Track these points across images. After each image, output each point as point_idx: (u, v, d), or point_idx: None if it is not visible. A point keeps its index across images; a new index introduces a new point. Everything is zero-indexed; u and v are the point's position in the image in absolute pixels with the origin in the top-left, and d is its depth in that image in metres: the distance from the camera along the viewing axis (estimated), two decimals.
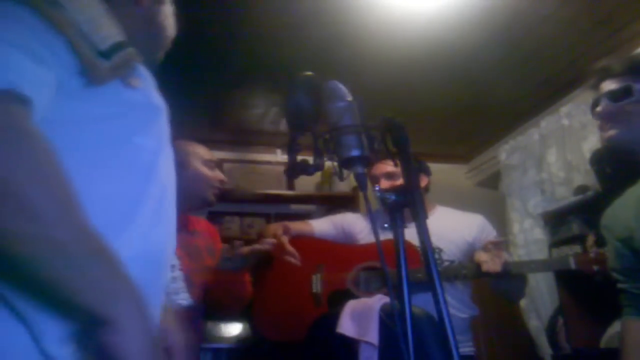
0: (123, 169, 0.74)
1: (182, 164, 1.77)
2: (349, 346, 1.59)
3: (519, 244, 3.23)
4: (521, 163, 3.34)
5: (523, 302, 3.10)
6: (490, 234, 2.10)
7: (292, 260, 1.91)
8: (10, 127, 0.58)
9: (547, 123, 3.11)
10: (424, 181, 2.15)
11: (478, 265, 1.85)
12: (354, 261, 2.05)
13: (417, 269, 1.64)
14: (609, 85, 1.42)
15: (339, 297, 1.95)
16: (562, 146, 2.99)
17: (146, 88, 0.78)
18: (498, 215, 3.29)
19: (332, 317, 1.70)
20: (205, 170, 1.83)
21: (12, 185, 0.56)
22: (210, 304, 1.84)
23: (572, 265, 1.83)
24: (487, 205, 3.03)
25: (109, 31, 0.69)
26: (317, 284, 2.05)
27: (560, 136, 2.99)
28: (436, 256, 1.98)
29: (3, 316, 0.62)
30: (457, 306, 1.99)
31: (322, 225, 2.21)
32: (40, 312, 0.62)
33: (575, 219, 2.51)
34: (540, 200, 3.18)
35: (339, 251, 2.12)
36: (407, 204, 0.96)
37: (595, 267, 1.77)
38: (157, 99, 0.80)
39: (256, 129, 3.47)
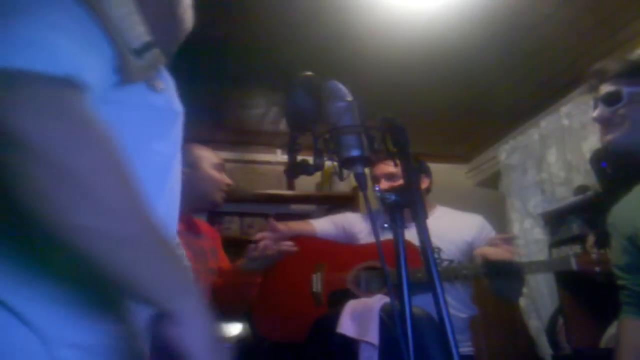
0: (138, 176, 0.75)
1: (192, 166, 1.80)
2: (349, 346, 1.59)
3: (519, 244, 3.23)
4: (521, 163, 3.34)
5: (523, 302, 3.11)
6: (490, 234, 2.10)
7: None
8: (76, 116, 0.57)
9: (547, 123, 3.11)
10: (425, 182, 2.15)
11: (484, 261, 1.84)
12: (354, 261, 2.05)
13: (417, 268, 1.64)
14: (605, 89, 1.43)
15: (339, 297, 1.95)
16: (562, 146, 2.99)
17: (168, 91, 0.77)
18: (498, 215, 3.29)
19: (333, 317, 1.70)
20: (214, 174, 1.87)
21: (82, 177, 0.56)
22: (219, 305, 1.85)
23: (574, 266, 1.82)
24: (487, 205, 3.03)
25: (140, 29, 0.68)
26: (317, 283, 2.05)
27: (560, 136, 3.00)
28: (435, 256, 1.97)
29: (8, 321, 0.61)
30: (457, 306, 1.99)
31: (323, 225, 2.22)
32: (48, 315, 0.62)
33: (575, 219, 2.52)
34: (540, 200, 3.18)
35: (339, 251, 2.13)
36: (407, 204, 0.96)
37: (596, 268, 1.76)
38: (177, 104, 0.80)
39: (256, 129, 3.47)
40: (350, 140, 0.96)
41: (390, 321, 1.53)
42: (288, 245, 1.81)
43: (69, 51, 0.58)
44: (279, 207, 3.64)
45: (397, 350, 0.91)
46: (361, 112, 1.00)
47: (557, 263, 2.05)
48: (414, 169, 1.00)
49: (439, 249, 2.02)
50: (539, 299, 3.02)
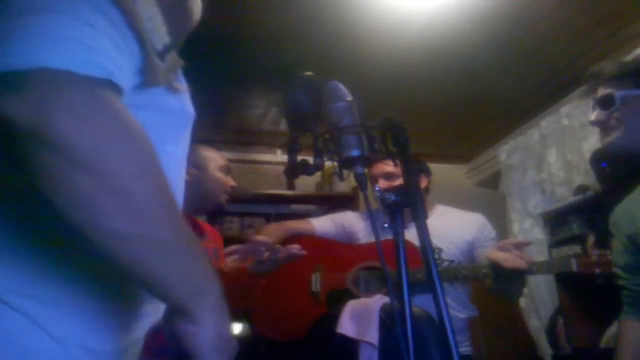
0: None
1: (199, 167, 1.81)
2: (349, 346, 1.59)
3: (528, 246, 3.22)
4: (521, 163, 3.34)
5: (523, 302, 3.11)
6: (490, 233, 2.10)
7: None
8: (116, 120, 0.57)
9: (547, 123, 3.10)
10: (424, 182, 2.15)
11: (494, 264, 1.82)
12: (353, 261, 2.05)
13: (417, 269, 1.64)
14: (602, 92, 1.44)
15: (338, 297, 1.95)
16: (562, 146, 2.99)
17: (184, 93, 0.77)
18: (498, 215, 3.29)
19: (332, 317, 1.70)
20: (220, 176, 1.88)
21: (122, 184, 0.55)
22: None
23: (574, 267, 1.82)
24: (487, 205, 3.03)
25: (163, 30, 0.67)
26: (316, 283, 2.05)
27: (560, 136, 2.99)
28: (435, 256, 1.97)
29: (21, 323, 0.60)
30: (456, 307, 1.99)
31: (323, 224, 2.22)
32: (63, 318, 0.62)
33: (575, 219, 2.51)
34: (540, 200, 3.18)
35: (339, 250, 2.12)
36: (407, 204, 0.96)
37: (597, 270, 1.76)
38: (190, 106, 0.79)
39: (256, 129, 3.47)
40: (350, 140, 0.96)
41: (390, 321, 1.53)
42: (297, 248, 1.80)
43: (107, 52, 0.57)
44: (279, 207, 3.64)
45: (397, 350, 0.91)
46: (360, 112, 1.00)
47: (557, 264, 2.05)
48: (414, 169, 1.00)
49: (439, 249, 2.02)
50: (539, 299, 3.02)
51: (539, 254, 2.99)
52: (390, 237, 0.97)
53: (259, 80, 2.84)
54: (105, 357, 0.65)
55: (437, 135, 3.57)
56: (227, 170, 1.92)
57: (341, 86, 1.01)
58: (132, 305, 0.71)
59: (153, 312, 0.74)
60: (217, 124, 3.33)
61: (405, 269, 0.95)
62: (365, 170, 0.98)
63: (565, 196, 2.83)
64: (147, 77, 0.65)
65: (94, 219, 0.55)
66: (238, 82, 2.84)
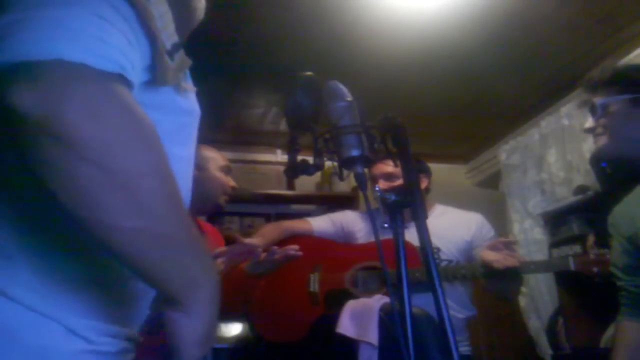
0: None
1: (199, 167, 1.80)
2: (349, 346, 1.59)
3: (519, 244, 3.22)
4: (521, 163, 3.34)
5: (523, 302, 3.11)
6: (489, 232, 2.10)
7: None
8: (127, 115, 0.56)
9: (547, 123, 3.10)
10: (424, 182, 2.15)
11: (486, 265, 1.84)
12: (351, 261, 2.05)
13: (415, 269, 1.64)
14: (589, 100, 1.48)
15: (336, 297, 1.95)
16: (562, 146, 2.99)
17: (191, 93, 0.77)
18: (498, 215, 3.29)
19: (332, 318, 1.70)
20: (221, 176, 1.87)
21: (130, 180, 0.55)
22: (220, 306, 1.84)
23: (572, 266, 1.83)
24: (487, 205, 3.03)
25: (172, 28, 0.67)
26: (314, 283, 2.05)
27: (560, 136, 2.99)
28: (434, 256, 1.97)
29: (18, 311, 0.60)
30: (454, 306, 1.99)
31: (321, 224, 2.21)
32: (69, 311, 0.62)
33: (575, 219, 2.52)
34: (540, 200, 3.18)
35: (337, 250, 2.12)
36: (407, 204, 0.96)
37: (595, 269, 1.77)
38: (197, 106, 0.79)
39: (256, 129, 3.47)
40: (350, 140, 0.96)
41: (389, 321, 1.53)
42: (295, 249, 1.80)
43: (120, 48, 0.57)
44: (279, 207, 3.64)
45: (397, 350, 0.91)
46: (360, 112, 1.00)
47: (555, 263, 2.06)
48: (414, 169, 1.00)
49: (438, 249, 2.02)
50: (539, 299, 3.02)
51: (539, 254, 3.00)
52: (389, 237, 0.97)
53: (259, 80, 2.84)
54: (107, 354, 0.64)
55: (437, 135, 3.57)
56: (227, 170, 1.90)
57: (341, 86, 1.01)
58: (133, 302, 0.71)
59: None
60: (217, 124, 3.33)
61: (405, 269, 0.95)
62: (366, 170, 0.98)
63: (565, 196, 2.83)
64: (157, 76, 0.65)
65: (99, 214, 0.54)
66: (238, 82, 2.84)
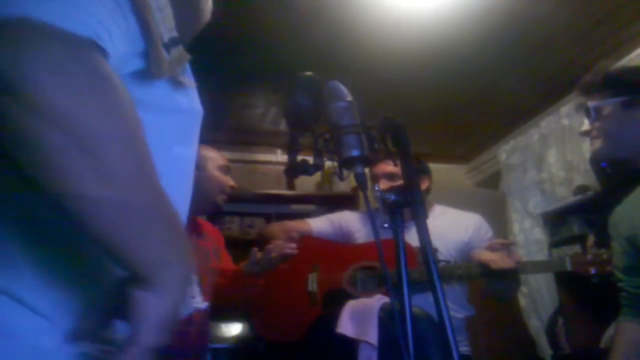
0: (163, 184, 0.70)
1: (198, 167, 1.78)
2: (349, 346, 1.59)
3: (519, 244, 3.23)
4: (521, 163, 3.34)
5: (523, 302, 3.11)
6: (487, 233, 2.10)
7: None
8: (98, 79, 0.53)
9: (547, 123, 3.11)
10: (425, 183, 2.15)
11: (483, 266, 1.84)
12: (350, 261, 2.05)
13: (412, 269, 1.64)
14: (584, 103, 1.49)
15: (334, 297, 1.95)
16: (562, 146, 2.99)
17: (192, 90, 0.75)
18: (498, 215, 3.29)
19: (331, 318, 1.70)
20: (219, 175, 1.86)
21: (97, 146, 0.52)
22: (220, 306, 1.85)
23: (569, 267, 1.83)
24: (487, 205, 3.03)
25: (171, 23, 0.65)
26: (312, 283, 2.05)
27: (560, 136, 3.00)
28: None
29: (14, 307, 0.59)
30: (452, 306, 1.98)
31: (320, 224, 2.22)
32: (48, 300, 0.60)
33: (575, 219, 2.52)
34: (540, 200, 3.18)
35: (336, 250, 2.12)
36: (407, 204, 0.96)
37: (592, 270, 1.77)
38: (198, 103, 0.77)
39: (256, 129, 3.47)
40: (350, 140, 0.96)
41: (389, 321, 1.53)
42: (291, 247, 1.80)
43: (96, 14, 0.55)
44: (279, 207, 3.64)
45: (396, 350, 0.91)
46: (360, 112, 1.00)
47: (552, 264, 2.06)
48: (414, 169, 1.00)
49: (435, 249, 2.02)
50: (539, 299, 3.02)
51: (539, 254, 3.00)
52: (388, 237, 0.97)
53: (259, 80, 2.84)
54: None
55: (437, 135, 3.57)
56: (226, 170, 1.90)
57: (341, 86, 1.01)
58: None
59: None
60: (217, 124, 3.33)
61: (405, 269, 0.95)
62: (366, 170, 0.98)
63: (565, 196, 2.83)
64: (152, 67, 0.63)
65: (63, 182, 0.51)
66: (238, 82, 2.84)
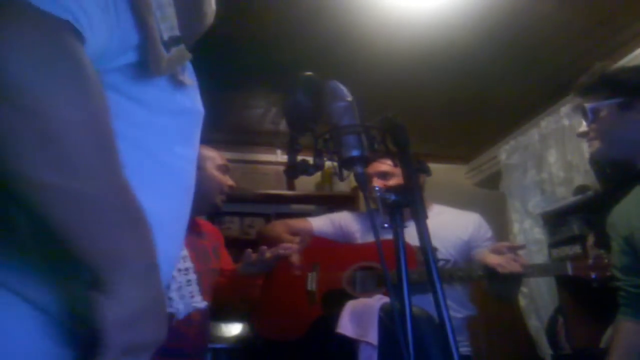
0: (158, 183, 0.68)
1: (197, 167, 1.78)
2: (349, 346, 1.59)
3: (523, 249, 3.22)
4: (521, 163, 3.34)
5: (523, 302, 3.11)
6: (487, 232, 2.10)
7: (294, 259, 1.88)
8: (68, 63, 0.51)
9: (547, 123, 3.11)
10: (420, 178, 2.14)
11: (488, 269, 1.82)
12: (349, 260, 2.04)
13: (411, 270, 1.64)
14: (580, 104, 1.50)
15: (333, 297, 1.95)
16: (562, 146, 2.99)
17: (193, 90, 0.75)
18: (498, 215, 3.29)
19: (332, 317, 1.70)
20: (218, 175, 1.86)
21: (56, 125, 0.49)
22: (219, 306, 1.85)
23: (570, 271, 1.83)
24: (487, 205, 3.03)
25: (173, 22, 0.64)
26: (312, 282, 2.05)
27: (560, 136, 3.00)
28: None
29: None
30: (453, 306, 1.98)
31: (321, 223, 2.22)
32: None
33: (575, 219, 2.52)
34: (540, 200, 3.18)
35: (335, 250, 2.12)
36: (407, 204, 0.96)
37: (592, 274, 1.77)
38: (199, 103, 0.76)
39: (256, 129, 3.47)
40: (350, 140, 0.96)
41: (389, 321, 1.53)
42: (286, 248, 1.80)
43: None
44: (279, 207, 3.64)
45: (397, 350, 0.91)
46: (360, 112, 1.00)
47: (553, 267, 2.06)
48: (414, 169, 1.00)
49: (435, 249, 2.01)
50: (539, 299, 3.02)
51: (539, 254, 3.00)
52: (388, 237, 0.97)
53: (259, 80, 2.84)
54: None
55: (437, 135, 3.57)
56: (225, 169, 1.89)
57: (341, 86, 1.01)
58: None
59: None
60: (217, 124, 3.32)
61: (405, 269, 0.95)
62: (365, 170, 0.98)
63: (565, 196, 2.83)
64: (149, 64, 0.62)
65: (13, 162, 0.49)
66: (238, 82, 2.84)
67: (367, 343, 1.55)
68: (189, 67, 0.75)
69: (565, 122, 2.94)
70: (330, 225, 2.21)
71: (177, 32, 0.65)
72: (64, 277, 0.60)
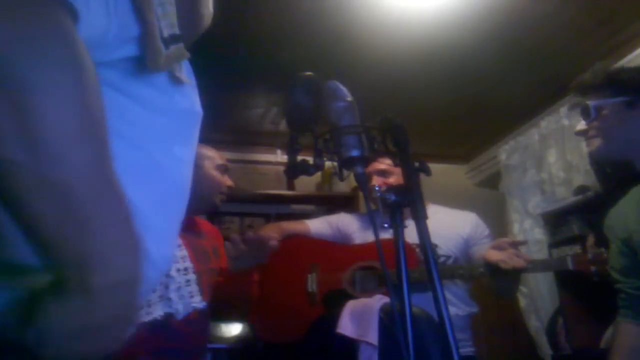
0: (150, 183, 0.67)
1: (195, 166, 1.77)
2: (349, 346, 1.59)
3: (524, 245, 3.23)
4: (521, 163, 3.34)
5: (523, 302, 3.11)
6: (484, 231, 2.10)
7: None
8: (59, 41, 0.48)
9: (547, 123, 3.11)
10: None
11: (491, 265, 1.82)
12: (349, 261, 2.05)
13: (412, 269, 1.64)
14: (581, 102, 1.49)
15: (334, 297, 1.95)
16: (562, 146, 2.99)
17: (192, 91, 0.74)
18: (498, 215, 3.29)
19: (330, 318, 1.70)
20: (217, 175, 1.85)
21: (28, 97, 0.45)
22: (218, 305, 1.85)
23: (570, 265, 1.83)
24: (487, 205, 3.03)
25: (173, 20, 0.63)
26: (312, 283, 2.05)
27: (560, 136, 3.00)
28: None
29: None
30: (455, 302, 1.98)
31: (318, 225, 2.22)
32: None
33: (575, 219, 2.52)
34: (540, 200, 3.18)
35: (334, 251, 2.12)
36: (407, 203, 0.96)
37: (592, 268, 1.77)
38: (198, 104, 0.75)
39: (256, 129, 3.47)
40: (350, 140, 0.97)
41: (389, 321, 1.53)
42: (272, 237, 1.79)
43: None
44: (279, 207, 3.64)
45: (397, 350, 0.91)
46: (360, 112, 1.00)
47: (554, 263, 2.06)
48: (414, 169, 1.00)
49: (435, 245, 2.01)
50: (539, 299, 3.02)
51: (539, 254, 2.99)
52: (387, 237, 0.97)
53: (259, 80, 2.84)
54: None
55: (437, 135, 3.57)
56: (224, 169, 1.88)
57: (341, 86, 1.01)
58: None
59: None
60: (217, 124, 3.33)
61: (405, 269, 0.95)
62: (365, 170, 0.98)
63: (565, 196, 2.83)
64: (148, 59, 0.61)
65: None
66: (238, 82, 2.84)
67: (367, 343, 1.55)
68: (187, 67, 0.74)
69: (565, 122, 2.94)
70: (328, 227, 2.21)
71: (177, 31, 0.65)
72: (11, 273, 0.55)
